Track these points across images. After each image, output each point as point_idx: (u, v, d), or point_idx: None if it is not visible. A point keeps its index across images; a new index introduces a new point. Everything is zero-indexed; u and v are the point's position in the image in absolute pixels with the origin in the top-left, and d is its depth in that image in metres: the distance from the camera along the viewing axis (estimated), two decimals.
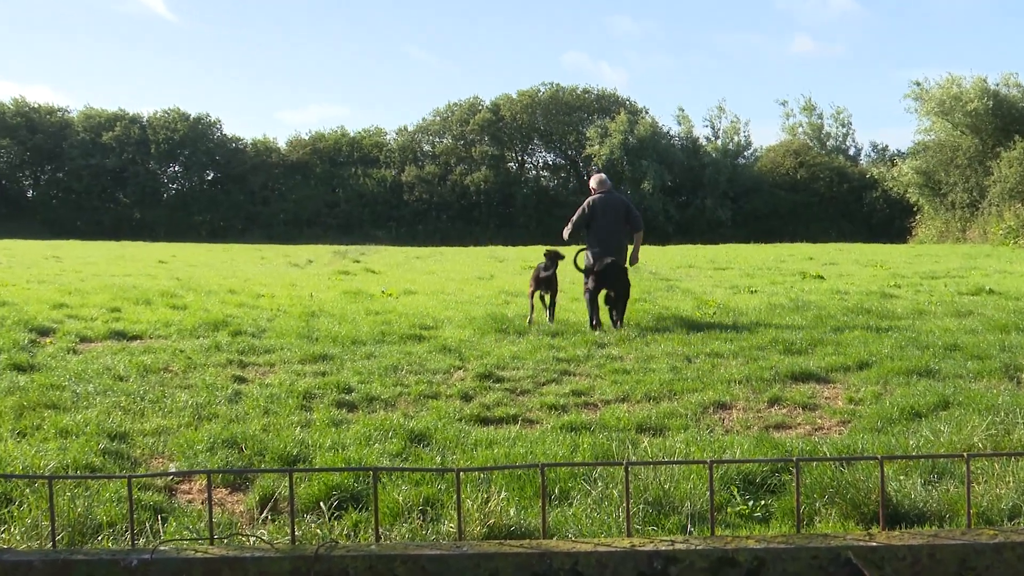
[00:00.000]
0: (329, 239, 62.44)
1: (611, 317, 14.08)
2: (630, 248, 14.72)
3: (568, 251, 15.43)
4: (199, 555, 3.33)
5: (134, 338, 12.88)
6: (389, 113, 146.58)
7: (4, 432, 7.65)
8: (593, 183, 14.82)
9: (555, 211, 64.69)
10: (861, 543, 3.29)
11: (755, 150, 77.91)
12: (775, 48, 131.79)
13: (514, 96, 77.10)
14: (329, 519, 5.75)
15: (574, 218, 14.62)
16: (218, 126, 76.23)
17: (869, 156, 79.78)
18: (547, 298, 14.57)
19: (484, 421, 8.45)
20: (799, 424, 8.28)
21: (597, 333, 13.07)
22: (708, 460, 3.77)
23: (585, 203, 14.58)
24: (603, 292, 14.14)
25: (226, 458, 7.07)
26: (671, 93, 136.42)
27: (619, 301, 14.04)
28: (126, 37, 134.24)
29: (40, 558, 3.33)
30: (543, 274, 14.40)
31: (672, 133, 76.88)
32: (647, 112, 76.80)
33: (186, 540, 3.63)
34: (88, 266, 27.65)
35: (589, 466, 6.58)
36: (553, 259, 14.54)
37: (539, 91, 76.87)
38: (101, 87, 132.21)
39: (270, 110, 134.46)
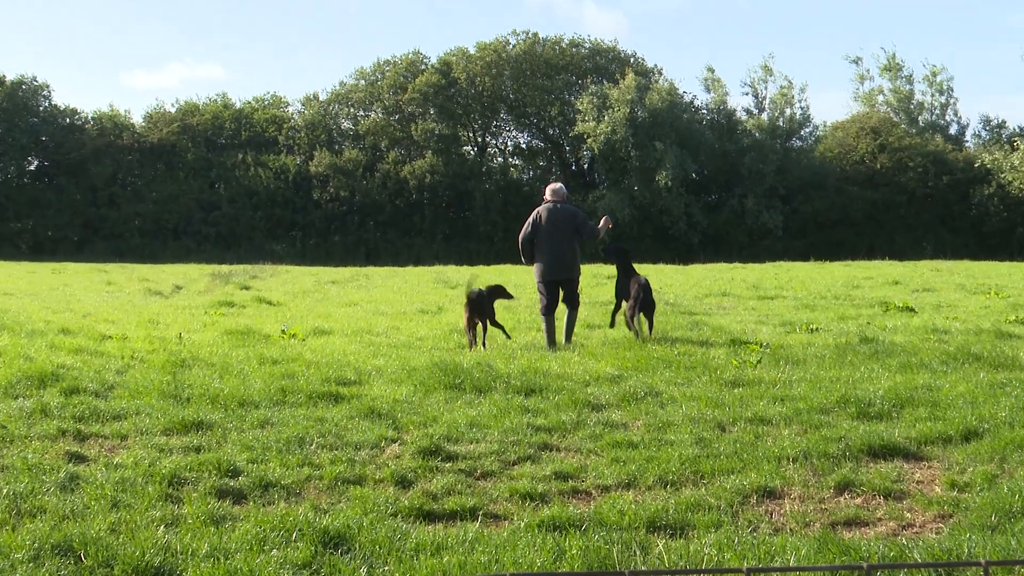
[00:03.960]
0: (205, 256, 62.29)
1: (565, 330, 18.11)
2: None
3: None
4: None
5: None
6: (290, 76, 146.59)
7: None
8: (547, 193, 18.79)
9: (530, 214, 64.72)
10: None
11: (816, 128, 78.52)
12: None
13: (472, 51, 77.28)
14: None
15: (521, 235, 18.52)
16: (45, 93, 76.00)
17: (979, 136, 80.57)
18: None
19: (429, 517, 8.46)
20: (879, 519, 8.34)
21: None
22: (745, 568, 3.82)
23: (532, 213, 18.53)
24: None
25: (57, 570, 7.03)
26: (692, 47, 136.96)
27: (570, 298, 18.24)
28: None
29: None
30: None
31: (698, 104, 77.34)
32: (661, 73, 77.23)
33: None
34: None
35: None
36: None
37: (508, 44, 76.99)
38: None
39: (116, 70, 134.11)
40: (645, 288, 18.08)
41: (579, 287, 18.79)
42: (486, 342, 17.58)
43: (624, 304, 18.61)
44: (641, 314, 18.17)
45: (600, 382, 13.72)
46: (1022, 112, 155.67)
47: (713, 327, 19.76)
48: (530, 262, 18.59)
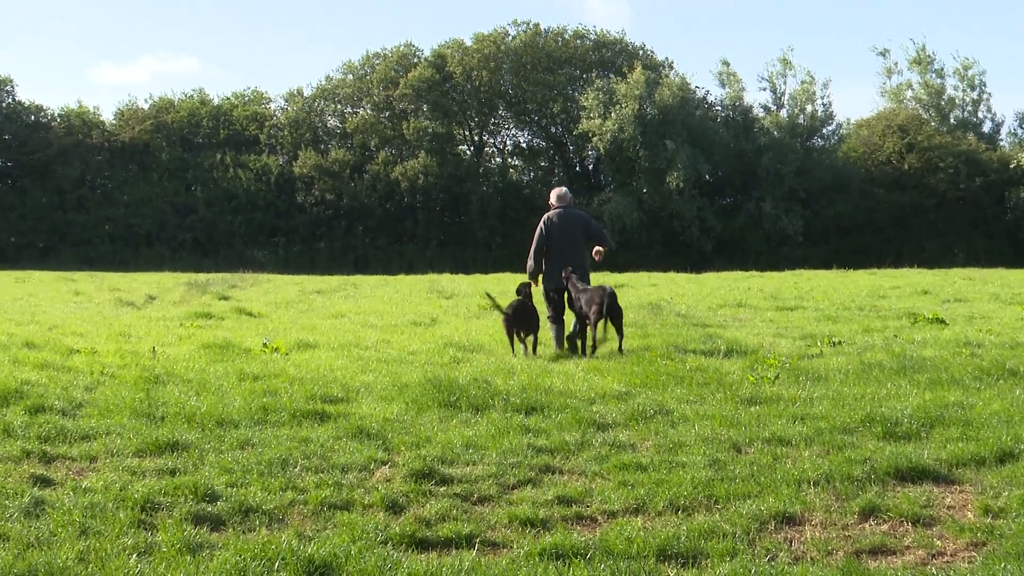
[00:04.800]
0: (181, 263, 62.29)
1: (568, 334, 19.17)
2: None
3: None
4: None
5: None
6: (272, 70, 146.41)
7: None
8: (553, 198, 19.80)
9: (531, 219, 64.51)
10: None
11: (839, 125, 78.41)
12: None
13: (468, 43, 77.28)
14: None
15: (534, 243, 19.39)
16: (8, 88, 76.04)
17: (1014, 135, 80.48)
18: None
19: (422, 544, 8.45)
20: (907, 547, 8.33)
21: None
22: None
23: (542, 220, 19.48)
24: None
25: None
26: (705, 39, 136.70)
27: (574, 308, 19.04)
28: None
29: None
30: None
31: (712, 100, 77.38)
32: (672, 67, 77.13)
33: None
34: None
35: None
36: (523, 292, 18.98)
37: (507, 35, 76.95)
38: None
39: (84, 64, 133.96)
40: (611, 295, 18.30)
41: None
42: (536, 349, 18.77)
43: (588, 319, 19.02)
44: (610, 324, 18.50)
45: (606, 400, 13.72)
46: None
47: (728, 340, 19.72)
48: (537, 272, 19.48)
